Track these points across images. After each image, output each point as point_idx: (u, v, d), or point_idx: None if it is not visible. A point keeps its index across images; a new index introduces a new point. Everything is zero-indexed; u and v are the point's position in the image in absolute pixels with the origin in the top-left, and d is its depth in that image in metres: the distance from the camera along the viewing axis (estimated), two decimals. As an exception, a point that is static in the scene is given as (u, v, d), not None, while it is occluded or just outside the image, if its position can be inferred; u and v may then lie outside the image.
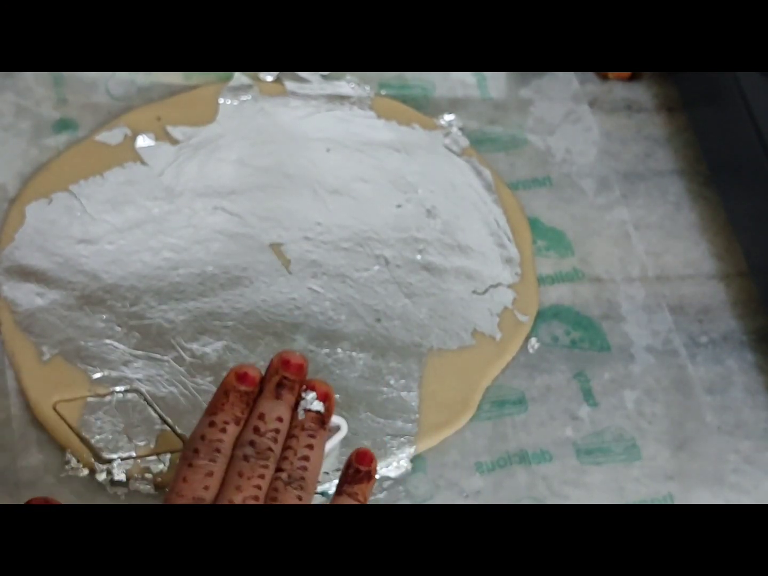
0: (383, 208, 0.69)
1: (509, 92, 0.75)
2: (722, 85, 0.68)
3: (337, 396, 0.62)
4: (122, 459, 0.59)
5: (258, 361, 0.62)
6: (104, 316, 0.63)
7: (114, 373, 0.62)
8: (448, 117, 0.73)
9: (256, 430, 0.54)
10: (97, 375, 0.61)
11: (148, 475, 0.59)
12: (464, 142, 0.72)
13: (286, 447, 0.54)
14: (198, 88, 0.73)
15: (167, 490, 0.52)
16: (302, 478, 0.53)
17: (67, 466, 0.59)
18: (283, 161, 0.70)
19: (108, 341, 0.63)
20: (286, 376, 0.56)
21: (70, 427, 0.60)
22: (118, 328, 0.63)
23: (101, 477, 0.59)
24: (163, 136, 0.71)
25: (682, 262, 0.69)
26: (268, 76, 0.74)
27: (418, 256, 0.67)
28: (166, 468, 0.59)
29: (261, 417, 0.54)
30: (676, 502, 0.60)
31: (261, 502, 0.52)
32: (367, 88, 0.74)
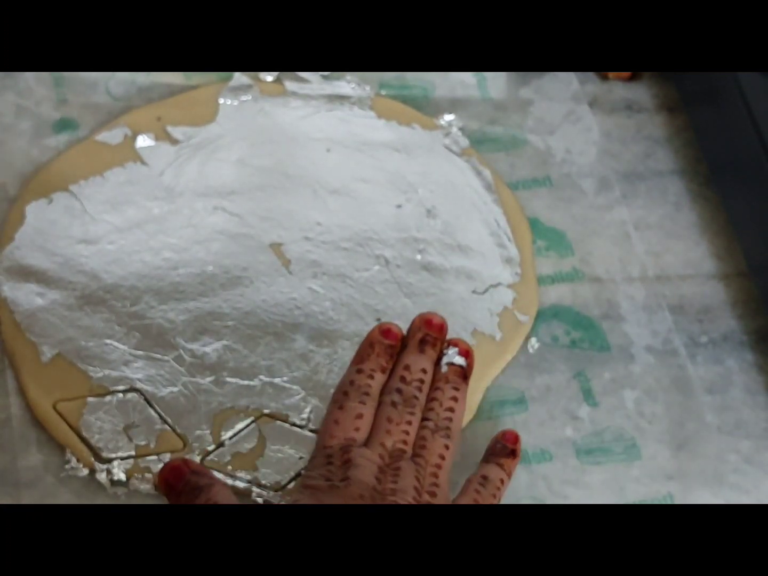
0: (383, 208, 0.69)
1: (509, 92, 0.75)
2: (722, 85, 0.68)
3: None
4: (122, 459, 0.59)
5: (258, 361, 0.63)
6: (104, 316, 0.63)
7: (114, 373, 0.62)
8: (448, 117, 0.73)
9: (403, 379, 0.57)
10: (98, 375, 0.61)
11: (149, 475, 0.59)
12: (464, 142, 0.72)
13: (431, 398, 0.58)
14: (198, 88, 0.73)
15: (318, 432, 0.58)
16: (448, 428, 0.56)
17: (67, 466, 0.59)
18: (283, 161, 0.70)
19: (108, 341, 0.63)
20: (429, 333, 0.59)
21: (70, 426, 0.60)
22: (119, 328, 0.63)
23: (101, 477, 0.59)
24: (163, 136, 0.71)
25: (682, 262, 0.69)
26: (268, 77, 0.74)
27: (418, 256, 0.67)
28: (166, 468, 0.59)
29: (406, 368, 0.58)
30: (676, 501, 0.60)
31: (409, 447, 0.55)
32: (367, 88, 0.74)
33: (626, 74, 0.76)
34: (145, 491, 0.59)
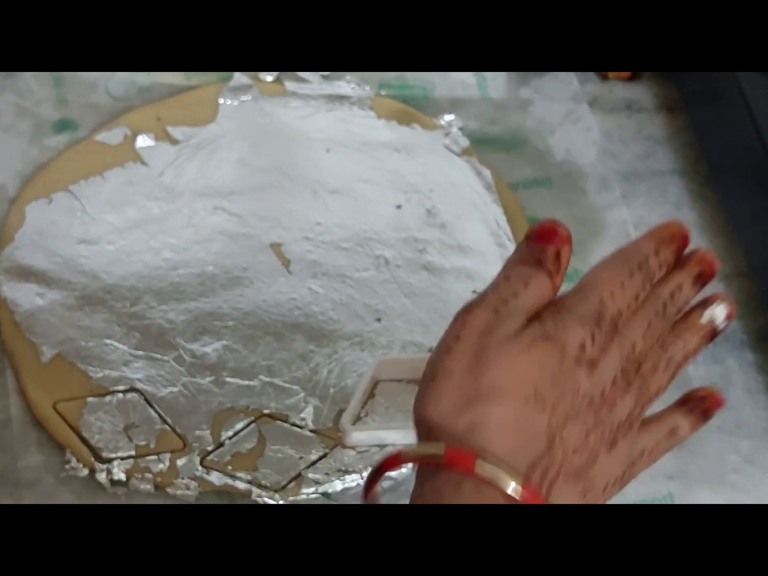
0: (383, 208, 0.69)
1: (509, 92, 0.75)
2: (722, 85, 0.68)
3: (337, 396, 0.62)
4: (122, 459, 0.59)
5: (258, 361, 0.62)
6: (104, 317, 0.63)
7: (114, 373, 0.62)
8: (448, 117, 0.73)
9: (672, 295, 0.51)
10: (98, 375, 0.61)
11: (148, 475, 0.59)
12: (464, 142, 0.72)
13: (678, 340, 0.51)
14: (198, 88, 0.73)
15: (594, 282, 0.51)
16: (676, 374, 0.50)
17: (67, 466, 0.59)
18: (283, 161, 0.70)
19: (108, 341, 0.63)
20: (706, 272, 0.52)
21: (70, 426, 0.60)
22: (119, 328, 0.63)
23: (101, 477, 0.59)
24: (163, 136, 0.71)
25: (682, 262, 0.69)
26: (268, 77, 0.74)
27: (418, 256, 0.67)
28: (166, 468, 0.59)
29: (679, 288, 0.51)
30: (677, 501, 0.60)
31: (645, 366, 0.50)
32: (367, 88, 0.74)
33: (626, 74, 0.76)
34: (145, 491, 0.59)
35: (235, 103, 0.72)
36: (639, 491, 0.60)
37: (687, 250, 0.52)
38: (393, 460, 0.47)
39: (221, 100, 0.72)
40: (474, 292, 0.66)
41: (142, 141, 0.70)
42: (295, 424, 0.61)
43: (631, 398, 0.49)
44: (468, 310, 0.48)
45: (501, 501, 0.45)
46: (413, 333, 0.64)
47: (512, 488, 0.45)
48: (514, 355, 0.47)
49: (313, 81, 0.74)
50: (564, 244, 0.51)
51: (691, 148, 0.73)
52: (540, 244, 0.51)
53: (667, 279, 0.52)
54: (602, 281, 0.51)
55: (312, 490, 0.59)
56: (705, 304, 0.52)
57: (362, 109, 0.73)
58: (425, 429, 0.47)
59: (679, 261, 0.52)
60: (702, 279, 0.53)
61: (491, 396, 0.46)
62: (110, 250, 0.66)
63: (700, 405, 0.52)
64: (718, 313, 0.52)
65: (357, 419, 0.60)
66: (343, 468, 0.60)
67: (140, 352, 0.62)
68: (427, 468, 0.46)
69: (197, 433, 0.60)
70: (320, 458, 0.60)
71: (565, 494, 0.48)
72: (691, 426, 0.52)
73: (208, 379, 0.62)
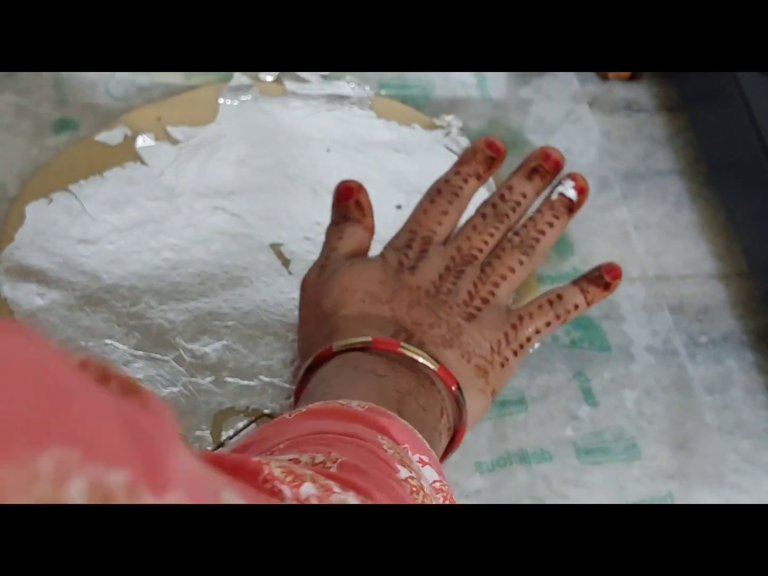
0: (383, 208, 0.69)
1: (509, 92, 0.75)
2: (722, 85, 0.68)
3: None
4: (122, 459, 0.59)
5: (258, 361, 0.63)
6: (104, 316, 0.63)
7: (114, 373, 0.62)
8: (448, 117, 0.73)
9: (501, 196, 0.60)
10: (98, 375, 0.61)
11: (149, 475, 0.59)
12: (464, 142, 0.72)
13: (527, 221, 0.59)
14: (198, 88, 0.73)
15: (409, 217, 0.60)
16: (531, 247, 0.59)
17: (67, 466, 0.59)
18: (283, 161, 0.70)
19: (108, 341, 0.63)
20: (542, 165, 0.61)
21: (70, 427, 0.60)
22: (119, 328, 0.63)
23: (101, 477, 0.59)
24: (163, 136, 0.71)
25: (682, 262, 0.69)
26: (268, 77, 0.74)
27: (418, 256, 0.67)
28: (166, 468, 0.59)
29: (509, 188, 0.60)
30: (676, 501, 0.60)
31: (482, 255, 0.58)
32: (367, 88, 0.74)
33: (626, 74, 0.76)
34: (145, 491, 0.59)
35: (235, 103, 0.72)
36: (639, 491, 0.60)
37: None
38: (325, 352, 0.55)
39: (221, 100, 0.72)
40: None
41: (142, 141, 0.70)
42: (295, 424, 0.61)
43: (467, 280, 0.58)
44: (304, 277, 0.60)
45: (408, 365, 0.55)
46: (413, 333, 0.64)
47: (427, 360, 0.54)
48: (341, 275, 0.57)
49: (313, 81, 0.74)
50: (359, 194, 0.60)
51: (691, 148, 0.73)
52: (341, 204, 0.60)
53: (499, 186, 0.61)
54: (411, 216, 0.60)
55: (312, 490, 0.59)
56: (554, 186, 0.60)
57: (362, 109, 0.73)
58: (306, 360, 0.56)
59: (498, 161, 0.61)
60: (539, 173, 0.60)
61: (335, 307, 0.56)
62: (110, 249, 0.66)
63: (591, 277, 0.60)
64: (566, 187, 0.60)
65: None
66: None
67: (140, 352, 0.62)
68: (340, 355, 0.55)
69: (197, 433, 0.60)
70: (320, 458, 0.60)
71: (447, 357, 0.56)
72: (580, 293, 0.59)
73: (208, 379, 0.62)
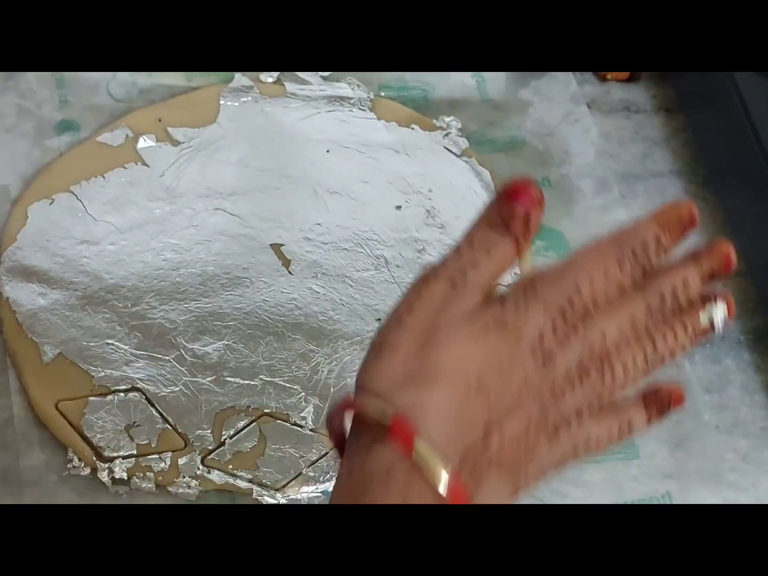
0: (383, 208, 0.69)
1: (508, 94, 0.75)
2: (720, 86, 0.68)
3: (338, 396, 0.62)
4: (124, 458, 0.59)
5: (259, 361, 0.63)
6: (106, 316, 0.64)
7: (116, 373, 0.62)
8: (448, 118, 0.73)
9: (674, 291, 0.47)
10: (99, 375, 0.62)
11: (150, 474, 0.59)
12: (463, 143, 0.73)
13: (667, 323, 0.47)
14: (199, 89, 0.73)
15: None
16: (645, 373, 0.48)
17: (69, 465, 0.59)
18: (283, 162, 0.71)
19: (110, 341, 0.63)
20: (720, 270, 0.48)
21: (72, 426, 0.60)
22: (120, 328, 0.63)
23: (103, 475, 0.59)
24: (164, 137, 0.71)
25: (680, 262, 0.69)
26: (269, 78, 0.74)
27: (418, 256, 0.68)
28: (167, 467, 0.59)
29: (685, 284, 0.47)
30: (675, 500, 0.60)
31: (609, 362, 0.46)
32: (367, 89, 0.74)
33: (624, 75, 0.76)
34: (146, 490, 0.59)
35: (236, 104, 0.73)
36: (637, 490, 0.60)
37: (703, 242, 0.48)
38: (348, 404, 0.45)
39: (222, 101, 0.73)
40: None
41: (144, 142, 0.70)
42: (295, 424, 0.61)
43: (582, 393, 0.45)
44: (425, 279, 0.45)
45: (429, 494, 0.44)
46: (413, 333, 0.65)
47: (443, 482, 0.44)
48: (464, 341, 0.44)
49: (313, 82, 0.74)
50: (534, 206, 0.46)
51: (689, 149, 0.74)
52: (509, 204, 0.46)
53: (671, 270, 0.47)
54: (585, 264, 0.46)
55: (312, 488, 0.60)
56: (704, 300, 0.47)
57: (362, 110, 0.73)
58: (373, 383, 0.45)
59: (694, 253, 0.48)
60: (714, 278, 0.47)
61: (433, 380, 0.44)
62: (112, 250, 0.66)
63: (659, 401, 0.49)
64: (718, 314, 0.47)
65: None
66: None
67: (141, 352, 0.63)
68: (366, 427, 0.44)
69: (198, 432, 0.61)
70: (320, 457, 0.61)
71: (496, 490, 0.46)
72: (647, 421, 0.48)
73: (209, 378, 0.62)
